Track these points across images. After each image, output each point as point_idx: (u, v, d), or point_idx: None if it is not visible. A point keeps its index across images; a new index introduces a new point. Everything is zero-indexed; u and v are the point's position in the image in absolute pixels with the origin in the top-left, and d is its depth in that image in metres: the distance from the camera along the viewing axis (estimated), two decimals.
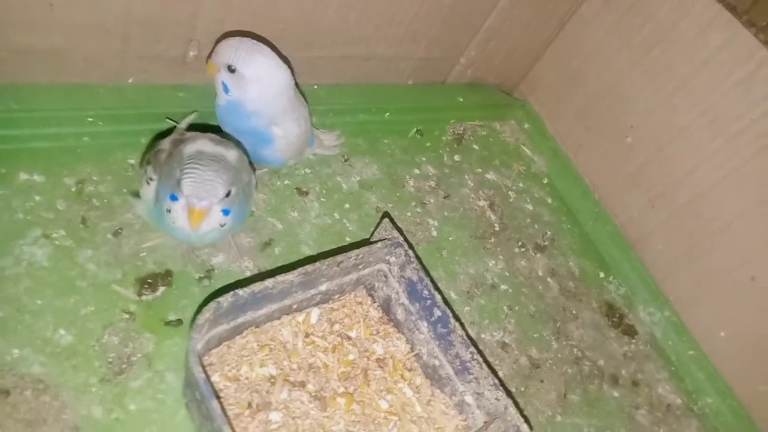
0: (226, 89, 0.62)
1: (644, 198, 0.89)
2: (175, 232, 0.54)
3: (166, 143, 0.56)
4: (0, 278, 0.53)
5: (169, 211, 0.52)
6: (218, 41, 0.63)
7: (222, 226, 0.54)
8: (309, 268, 0.55)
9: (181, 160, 0.51)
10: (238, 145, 0.60)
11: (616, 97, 0.90)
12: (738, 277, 0.79)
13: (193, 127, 0.67)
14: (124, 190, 0.63)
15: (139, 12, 0.62)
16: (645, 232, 0.90)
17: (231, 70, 0.60)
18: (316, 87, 0.83)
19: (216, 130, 0.68)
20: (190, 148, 0.52)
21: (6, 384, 0.48)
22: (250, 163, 0.61)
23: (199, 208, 0.50)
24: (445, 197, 0.85)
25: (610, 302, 0.87)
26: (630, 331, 0.84)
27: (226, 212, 0.53)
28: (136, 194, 0.60)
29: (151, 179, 0.54)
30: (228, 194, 0.51)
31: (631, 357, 0.81)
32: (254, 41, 0.62)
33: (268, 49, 0.62)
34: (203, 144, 0.53)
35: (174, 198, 0.51)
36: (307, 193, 0.74)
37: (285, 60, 0.64)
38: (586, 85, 0.95)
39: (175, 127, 0.66)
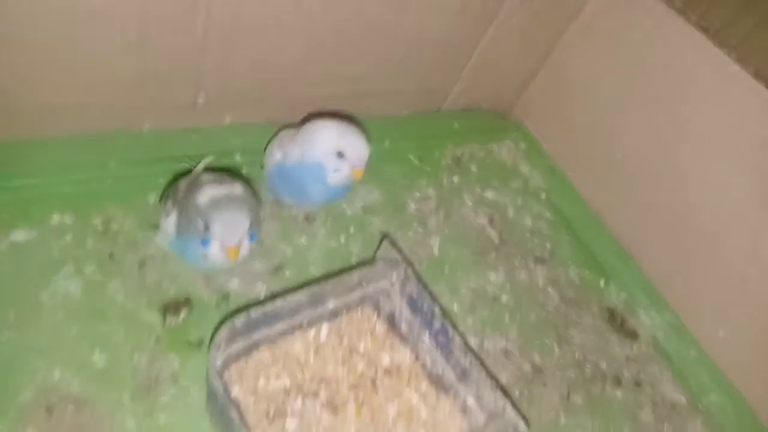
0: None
1: (638, 209, 0.93)
2: (198, 262, 0.61)
3: (182, 183, 0.62)
4: (40, 310, 0.59)
5: (205, 256, 0.59)
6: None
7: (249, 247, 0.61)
8: (316, 287, 0.60)
9: (198, 210, 0.57)
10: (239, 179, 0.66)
11: (603, 117, 0.95)
12: (730, 281, 0.82)
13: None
14: (148, 226, 0.69)
15: (149, 66, 0.69)
16: (642, 241, 0.93)
17: (340, 155, 0.69)
18: None
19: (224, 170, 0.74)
20: (202, 198, 0.58)
21: (50, 402, 0.54)
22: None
23: (235, 245, 0.57)
24: (445, 217, 0.90)
25: (611, 308, 0.89)
26: (632, 335, 0.87)
27: (252, 238, 0.60)
28: (156, 226, 0.66)
29: (169, 212, 0.61)
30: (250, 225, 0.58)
31: (633, 359, 0.84)
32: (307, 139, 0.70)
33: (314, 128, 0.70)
34: (211, 189, 0.58)
35: (206, 243, 0.57)
36: (314, 220, 0.80)
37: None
38: (574, 106, 1.00)
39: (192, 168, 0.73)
